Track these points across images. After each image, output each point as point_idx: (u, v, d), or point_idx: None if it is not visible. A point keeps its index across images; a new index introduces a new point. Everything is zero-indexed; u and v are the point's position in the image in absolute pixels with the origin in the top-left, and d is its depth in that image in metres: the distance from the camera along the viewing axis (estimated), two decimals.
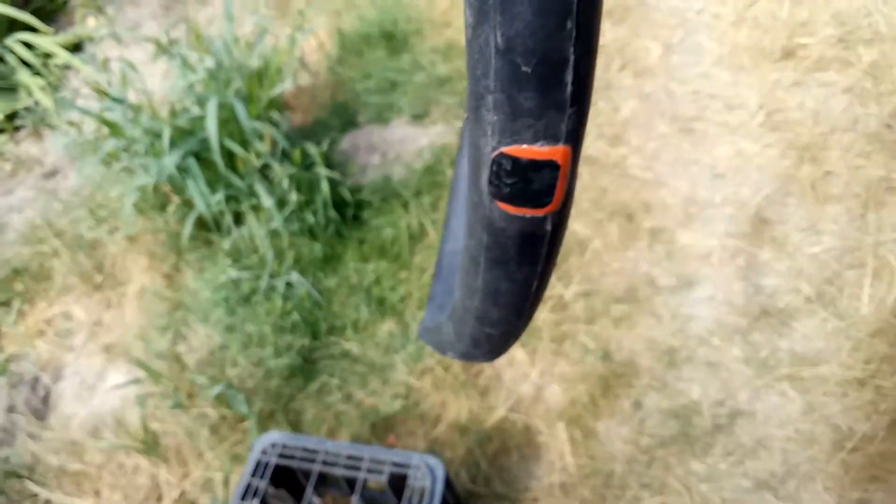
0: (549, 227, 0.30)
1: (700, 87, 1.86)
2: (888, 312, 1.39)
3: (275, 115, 1.65)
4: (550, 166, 0.27)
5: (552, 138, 0.26)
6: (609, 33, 2.00)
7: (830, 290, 1.46)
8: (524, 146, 0.26)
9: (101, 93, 1.50)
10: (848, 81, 1.79)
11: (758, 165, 1.68)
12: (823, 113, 1.74)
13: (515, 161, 0.27)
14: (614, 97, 1.87)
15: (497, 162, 0.27)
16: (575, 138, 0.27)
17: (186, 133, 1.53)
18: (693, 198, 1.66)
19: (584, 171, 1.74)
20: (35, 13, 2.56)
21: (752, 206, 1.61)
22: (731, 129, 1.76)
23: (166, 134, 1.39)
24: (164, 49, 1.55)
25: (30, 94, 2.32)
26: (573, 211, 1.47)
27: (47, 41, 2.27)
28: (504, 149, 0.27)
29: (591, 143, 1.78)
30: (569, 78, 0.25)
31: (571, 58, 0.24)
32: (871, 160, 1.64)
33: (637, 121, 1.82)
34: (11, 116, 2.32)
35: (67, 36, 2.52)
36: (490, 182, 0.29)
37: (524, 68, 0.24)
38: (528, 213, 0.29)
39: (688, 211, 1.64)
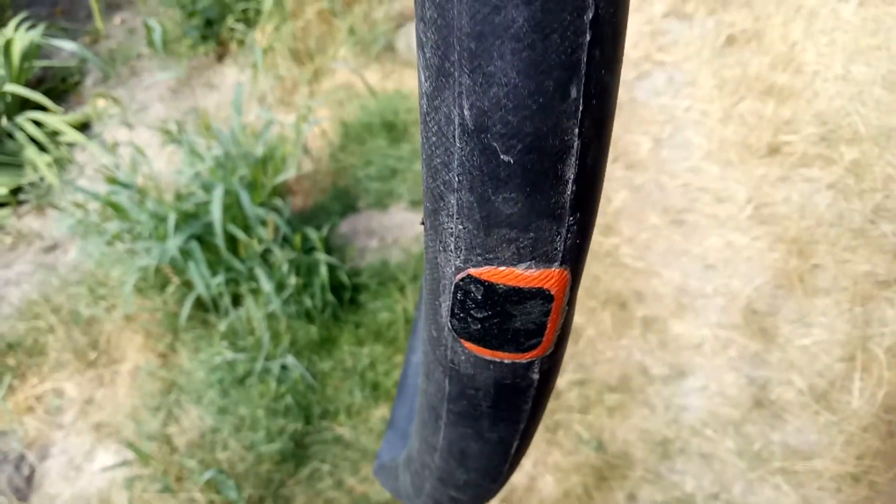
0: (535, 374, 0.22)
1: (689, 181, 1.92)
2: (878, 407, 1.40)
3: (277, 201, 1.69)
4: (541, 296, 0.19)
5: (543, 259, 0.18)
6: None
7: (821, 383, 1.47)
8: (502, 268, 0.19)
9: (111, 180, 1.55)
10: (831, 178, 1.86)
11: (747, 257, 1.73)
12: (809, 207, 1.80)
13: (489, 288, 0.19)
14: (606, 188, 1.94)
15: (462, 288, 0.20)
16: (575, 258, 0.19)
17: (190, 217, 1.57)
18: (685, 288, 1.69)
19: None
20: (47, 93, 2.65)
21: (743, 297, 1.64)
22: (721, 222, 1.81)
23: (172, 219, 1.43)
24: (172, 137, 1.61)
25: (35, 170, 2.38)
26: None
27: (56, 120, 2.35)
28: (473, 270, 0.19)
29: None
30: (570, 173, 0.17)
31: (576, 143, 0.17)
32: (857, 254, 1.68)
33: (629, 211, 1.88)
34: (16, 191, 2.37)
35: (76, 115, 2.60)
36: (453, 314, 0.21)
37: (504, 156, 0.16)
38: (506, 357, 0.21)
39: (680, 301, 1.67)
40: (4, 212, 2.30)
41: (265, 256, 1.62)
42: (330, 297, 1.64)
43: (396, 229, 1.92)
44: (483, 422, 0.24)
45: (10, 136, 2.38)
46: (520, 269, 0.19)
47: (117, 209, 1.58)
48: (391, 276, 1.76)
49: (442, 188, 0.18)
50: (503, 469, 0.28)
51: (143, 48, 2.85)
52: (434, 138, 0.17)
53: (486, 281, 0.19)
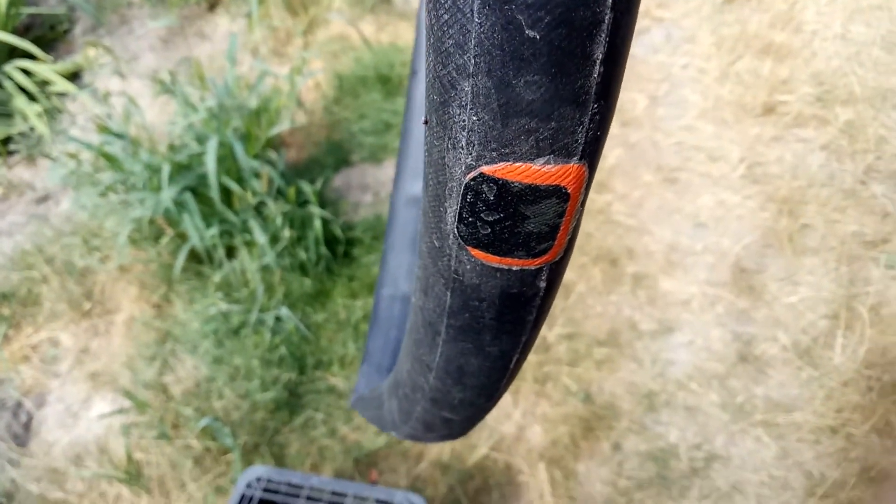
0: (542, 283, 0.21)
1: (684, 139, 1.92)
2: (859, 363, 1.43)
3: (271, 154, 1.69)
4: (557, 195, 0.18)
5: (563, 152, 0.17)
6: None
7: (805, 340, 1.50)
8: (518, 164, 0.18)
9: (104, 129, 1.54)
10: (825, 138, 1.86)
11: (738, 216, 1.74)
12: (801, 168, 1.81)
13: (503, 187, 0.18)
14: None
15: (473, 189, 0.19)
16: (593, 152, 0.18)
17: (184, 168, 1.57)
18: (675, 245, 1.71)
19: None
20: (35, 41, 2.60)
21: (732, 255, 1.66)
22: (713, 181, 1.82)
23: (166, 170, 1.43)
24: (166, 88, 1.59)
25: (25, 119, 2.35)
26: None
27: (46, 69, 2.31)
28: (485, 168, 0.18)
29: None
30: (599, 52, 0.15)
31: (608, 16, 0.15)
32: (846, 215, 1.70)
33: (623, 169, 1.88)
34: (5, 141, 2.35)
35: (66, 64, 2.56)
36: (461, 219, 0.20)
37: (529, 31, 0.15)
38: (515, 264, 0.20)
39: (670, 258, 1.69)
40: None
41: (259, 209, 1.62)
42: (324, 250, 1.65)
43: (390, 184, 1.92)
44: (485, 335, 0.23)
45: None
46: (537, 165, 0.17)
47: (110, 160, 1.58)
48: (384, 230, 1.77)
49: (454, 74, 0.16)
50: (500, 386, 0.27)
51: None
52: (446, 16, 0.15)
53: (500, 179, 0.18)
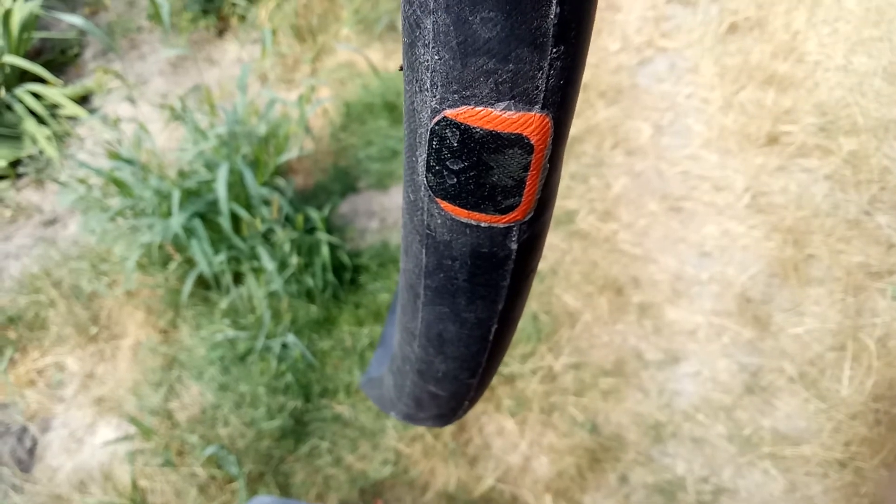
0: (513, 244, 0.21)
1: (689, 168, 1.94)
2: (867, 396, 1.43)
3: (280, 181, 1.70)
4: (519, 145, 0.18)
5: (523, 98, 0.17)
6: (602, 113, 2.09)
7: (812, 372, 1.50)
8: (479, 108, 0.17)
9: (114, 155, 1.55)
10: (829, 168, 1.87)
11: (743, 246, 1.75)
12: (806, 197, 1.82)
13: (465, 133, 0.18)
14: (606, 174, 1.95)
15: (438, 134, 0.18)
16: (558, 103, 0.18)
17: (193, 194, 1.58)
18: (681, 275, 1.71)
19: (575, 244, 1.80)
20: (46, 65, 2.64)
21: (738, 285, 1.67)
22: (718, 210, 1.83)
23: (176, 196, 1.44)
24: (176, 115, 1.61)
25: (35, 142, 2.37)
26: (563, 283, 1.50)
27: (56, 92, 2.34)
28: (449, 112, 0.18)
29: (584, 218, 1.85)
30: None
31: None
32: (851, 245, 1.70)
33: (628, 198, 1.89)
34: (15, 164, 2.37)
35: (76, 88, 2.59)
36: (429, 168, 0.19)
37: None
38: (483, 220, 0.20)
39: (675, 287, 1.69)
40: (3, 184, 2.30)
41: (267, 235, 1.63)
42: (331, 277, 1.66)
43: (397, 210, 1.93)
44: (460, 299, 0.23)
45: (9, 108, 2.37)
46: (497, 111, 0.17)
47: (120, 185, 1.59)
48: (391, 257, 1.77)
49: (418, 12, 0.16)
50: (481, 360, 0.26)
51: (143, 21, 2.83)
52: None
53: (462, 124, 0.18)
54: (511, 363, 1.57)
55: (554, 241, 1.80)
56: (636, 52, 2.28)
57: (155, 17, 2.72)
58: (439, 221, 0.20)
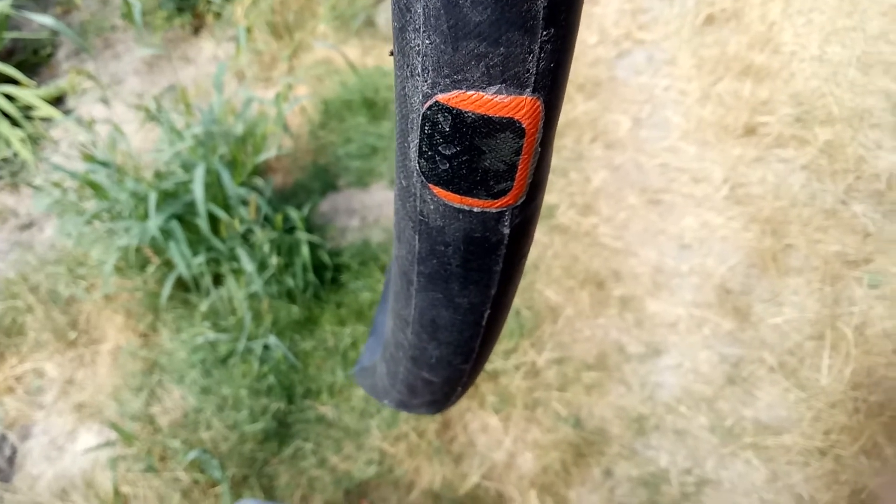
0: (505, 228, 0.21)
1: (667, 160, 1.94)
2: (846, 384, 1.45)
3: (258, 180, 1.69)
4: (511, 129, 0.18)
5: (514, 82, 0.17)
6: (580, 106, 2.09)
7: (792, 361, 1.52)
8: (470, 93, 0.17)
9: (89, 158, 1.53)
10: (805, 159, 1.89)
11: (722, 237, 1.76)
12: (783, 188, 1.84)
13: (457, 117, 0.18)
14: (586, 168, 1.95)
15: (430, 119, 0.18)
16: (549, 87, 0.18)
17: (170, 196, 1.56)
18: (661, 267, 1.72)
19: (556, 238, 1.80)
20: (18, 66, 2.59)
21: (717, 276, 1.68)
22: (697, 202, 1.84)
23: (153, 198, 1.42)
24: (152, 116, 1.59)
25: (8, 145, 2.33)
26: (544, 278, 1.50)
27: (29, 94, 2.30)
28: (440, 97, 0.18)
29: (564, 212, 1.85)
30: None
31: None
32: (829, 235, 1.72)
33: (607, 191, 1.90)
34: None
35: (50, 89, 2.55)
36: (421, 153, 0.19)
37: None
38: (475, 205, 0.20)
39: (656, 280, 1.70)
40: None
41: (246, 236, 1.62)
42: (311, 276, 1.65)
43: (377, 208, 1.92)
44: (453, 284, 0.23)
45: None
46: (489, 94, 0.17)
47: (96, 188, 1.57)
48: (372, 255, 1.77)
49: None
50: (474, 346, 0.26)
51: (116, 20, 2.79)
52: None
53: (454, 108, 0.18)
54: (494, 359, 1.57)
55: (535, 236, 1.80)
56: (614, 45, 2.28)
57: (129, 15, 2.69)
58: (432, 207, 0.20)
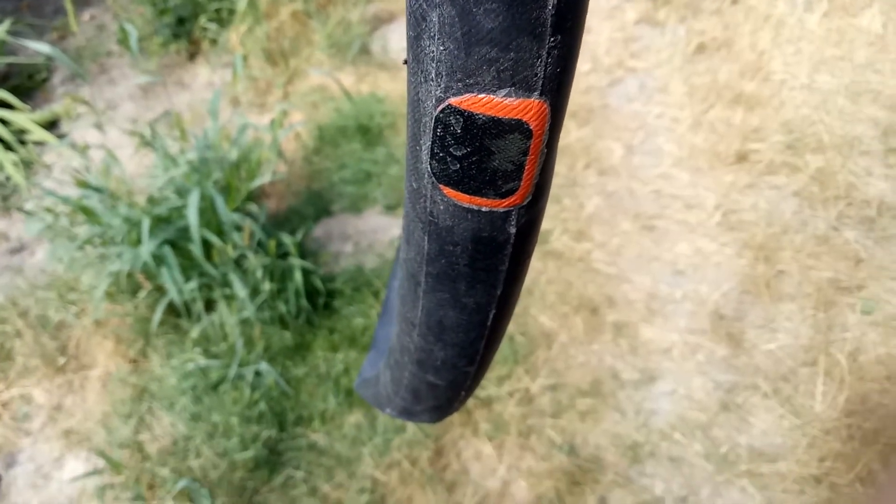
0: (512, 228, 0.22)
1: (660, 187, 1.95)
2: (840, 411, 1.44)
3: (252, 206, 1.69)
4: (519, 130, 0.19)
5: (523, 85, 0.18)
6: (574, 133, 2.10)
7: (786, 388, 1.51)
8: (482, 96, 0.18)
9: (83, 184, 1.53)
10: (797, 185, 1.90)
11: (716, 263, 1.77)
12: (776, 214, 1.85)
13: (469, 119, 0.19)
14: (579, 194, 1.96)
15: (442, 122, 0.19)
16: (556, 90, 0.19)
17: (163, 221, 1.55)
18: (655, 293, 1.72)
19: (550, 264, 1.80)
20: (13, 90, 2.60)
21: (711, 302, 1.68)
22: (690, 228, 1.85)
23: (146, 224, 1.42)
24: (146, 142, 1.59)
25: (1, 169, 2.33)
26: (538, 303, 1.49)
27: (23, 118, 2.30)
28: (453, 100, 0.19)
29: (558, 238, 1.85)
30: None
31: None
32: (821, 261, 1.73)
33: (601, 217, 1.90)
34: None
35: (44, 114, 2.55)
36: (433, 155, 0.20)
37: None
38: (484, 205, 0.21)
39: (650, 306, 1.70)
40: None
41: (239, 262, 1.61)
42: (304, 302, 1.64)
43: (371, 234, 1.92)
44: (460, 284, 0.23)
45: None
46: (499, 97, 0.18)
47: (89, 213, 1.56)
48: (366, 281, 1.76)
49: (424, 6, 0.17)
50: (479, 347, 0.27)
51: (112, 45, 2.81)
52: None
53: (465, 111, 0.18)
54: (488, 386, 1.56)
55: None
56: (606, 73, 2.30)
57: (124, 41, 2.70)
58: (442, 208, 0.21)
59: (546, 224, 1.89)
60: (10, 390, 1.72)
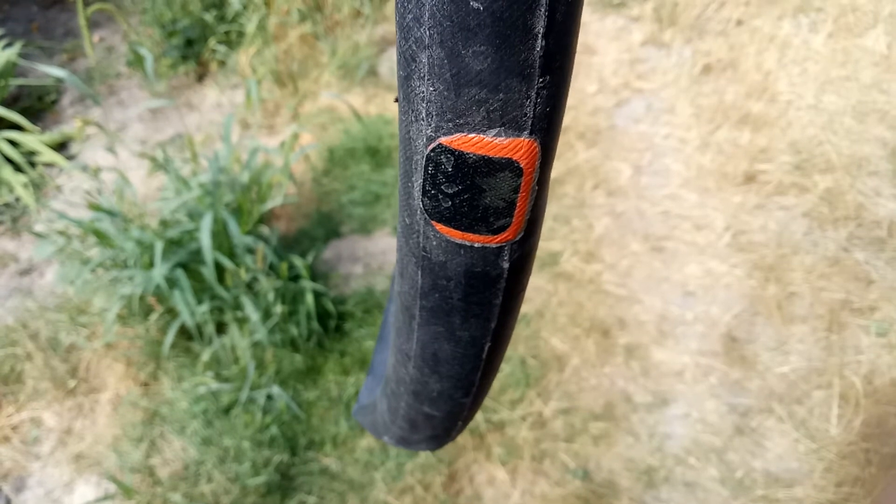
0: (505, 263, 0.22)
1: (669, 208, 1.96)
2: (856, 434, 1.44)
3: (264, 229, 1.69)
4: (510, 169, 0.19)
5: (513, 125, 0.18)
6: (582, 154, 2.11)
7: (801, 411, 1.51)
8: (472, 135, 0.18)
9: (95, 207, 1.53)
10: (806, 206, 1.91)
11: (726, 285, 1.76)
12: (785, 235, 1.85)
13: (459, 158, 0.19)
14: (588, 215, 1.96)
15: (433, 160, 0.19)
16: (545, 129, 0.19)
17: (175, 244, 1.56)
18: (666, 315, 1.72)
19: (560, 286, 1.80)
20: (23, 112, 2.61)
21: (723, 324, 1.68)
22: (700, 249, 1.85)
23: (159, 248, 1.42)
24: (159, 165, 1.60)
25: (11, 190, 2.34)
26: (549, 326, 1.49)
27: (33, 139, 2.31)
28: (444, 139, 0.19)
29: (568, 259, 1.85)
30: (540, 26, 0.16)
31: None
32: (832, 282, 1.73)
33: (610, 238, 1.90)
34: None
35: (54, 135, 2.56)
36: (424, 192, 0.20)
37: (473, 3, 0.16)
38: (476, 241, 0.21)
39: (661, 328, 1.69)
40: None
41: (251, 284, 1.61)
42: (315, 325, 1.64)
43: (381, 255, 1.92)
44: (454, 318, 0.23)
45: None
46: (489, 137, 0.18)
47: (101, 236, 1.57)
48: (376, 303, 1.76)
49: (414, 48, 0.17)
50: (475, 379, 0.27)
51: (121, 67, 2.83)
52: None
53: (456, 150, 0.19)
54: (500, 409, 1.56)
55: (539, 283, 1.80)
56: (613, 94, 2.32)
57: (134, 63, 2.72)
58: (434, 243, 0.21)
59: (556, 245, 1.89)
60: (20, 413, 1.71)
